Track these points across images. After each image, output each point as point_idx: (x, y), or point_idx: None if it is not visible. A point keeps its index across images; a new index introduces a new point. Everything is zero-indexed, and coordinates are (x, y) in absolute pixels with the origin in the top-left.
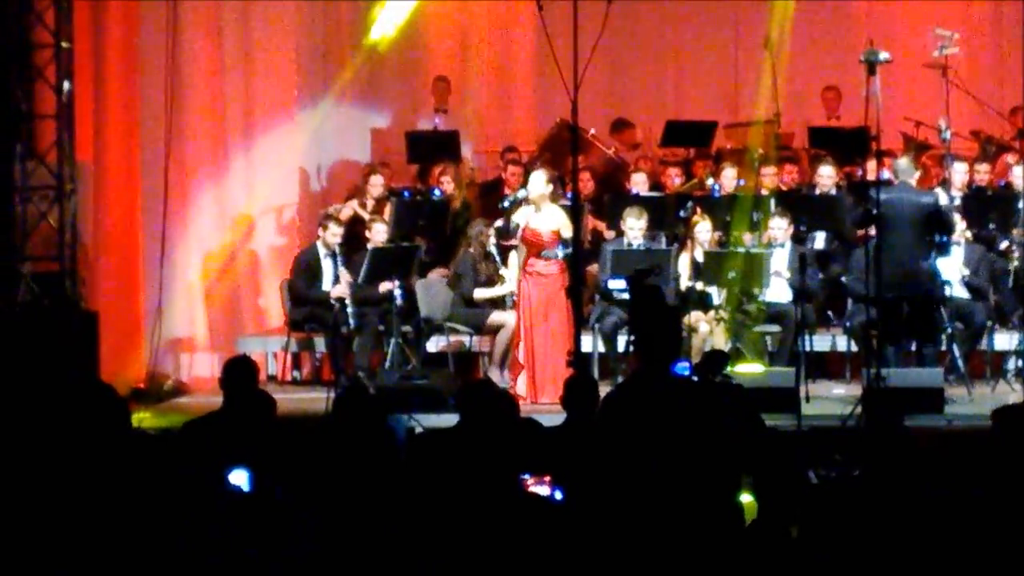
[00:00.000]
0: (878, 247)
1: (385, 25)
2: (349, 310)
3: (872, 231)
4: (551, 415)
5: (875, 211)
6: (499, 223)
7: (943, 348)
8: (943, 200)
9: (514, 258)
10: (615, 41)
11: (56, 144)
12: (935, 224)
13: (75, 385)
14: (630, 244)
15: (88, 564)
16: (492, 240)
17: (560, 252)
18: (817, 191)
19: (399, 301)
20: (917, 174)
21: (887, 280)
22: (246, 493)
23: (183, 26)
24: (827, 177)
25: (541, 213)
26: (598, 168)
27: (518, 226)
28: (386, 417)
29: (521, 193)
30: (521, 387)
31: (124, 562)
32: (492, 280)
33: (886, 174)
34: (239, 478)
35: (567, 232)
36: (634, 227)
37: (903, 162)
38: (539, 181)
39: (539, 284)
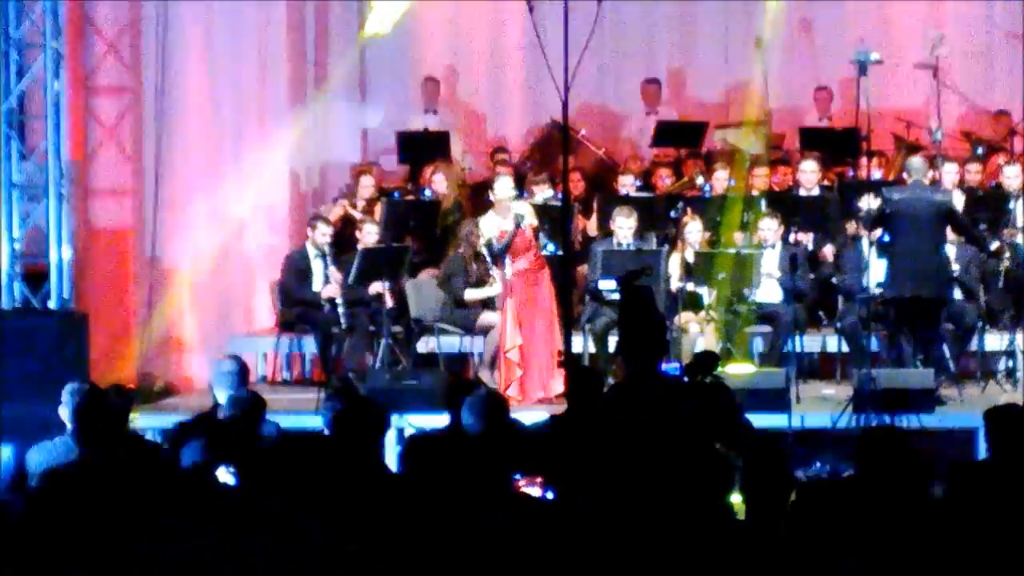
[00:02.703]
0: (888, 245)
1: (380, 20)
2: (340, 310)
3: (875, 233)
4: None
5: (885, 211)
6: (493, 243)
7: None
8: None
9: (507, 259)
10: (606, 41)
11: (46, 143)
12: (952, 224)
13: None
14: (619, 244)
15: (78, 562)
16: (482, 240)
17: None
18: (801, 189)
19: (389, 302)
20: (931, 174)
21: (902, 278)
22: (235, 492)
23: (174, 26)
24: (810, 172)
25: (511, 215)
26: (588, 169)
27: (492, 240)
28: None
29: (516, 207)
30: (513, 390)
31: (114, 561)
32: (483, 281)
33: (877, 174)
34: (224, 475)
35: (535, 219)
36: (623, 226)
37: (916, 161)
38: (508, 186)
39: (525, 285)
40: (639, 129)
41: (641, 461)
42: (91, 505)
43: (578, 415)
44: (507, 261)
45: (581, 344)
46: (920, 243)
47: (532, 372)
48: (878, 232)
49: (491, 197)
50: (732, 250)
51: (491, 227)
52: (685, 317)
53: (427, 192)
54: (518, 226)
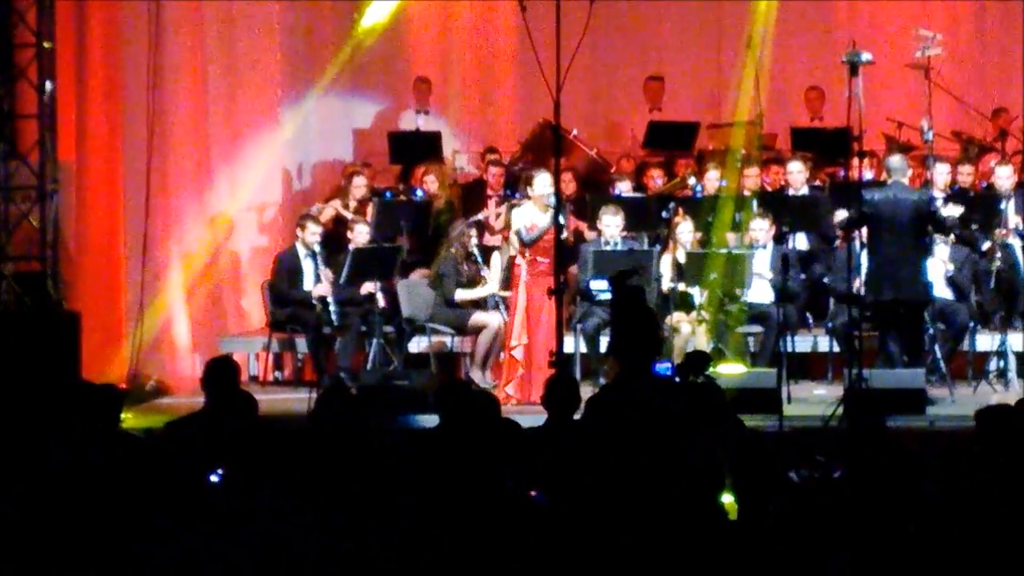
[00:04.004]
0: (869, 247)
1: (377, 13)
2: (331, 310)
3: (861, 233)
4: (540, 416)
5: (864, 212)
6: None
7: (925, 348)
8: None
9: (496, 259)
10: (598, 42)
11: (38, 144)
12: (932, 223)
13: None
14: (607, 242)
15: (72, 560)
16: (474, 241)
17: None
18: (789, 189)
19: (381, 302)
20: (910, 172)
21: (882, 281)
22: (225, 491)
23: (166, 25)
24: (797, 172)
25: (550, 212)
26: (580, 169)
27: (521, 229)
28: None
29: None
30: (511, 388)
31: (109, 561)
32: (474, 281)
33: (868, 174)
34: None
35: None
36: (610, 224)
37: (896, 159)
38: (547, 183)
39: (536, 287)
40: (631, 129)
41: (632, 461)
42: (87, 505)
43: (557, 422)
44: (495, 259)
45: (572, 344)
46: (900, 245)
47: (533, 373)
48: (864, 231)
49: (528, 193)
50: (723, 250)
51: (523, 217)
52: (677, 317)
53: (419, 192)
54: (556, 223)
